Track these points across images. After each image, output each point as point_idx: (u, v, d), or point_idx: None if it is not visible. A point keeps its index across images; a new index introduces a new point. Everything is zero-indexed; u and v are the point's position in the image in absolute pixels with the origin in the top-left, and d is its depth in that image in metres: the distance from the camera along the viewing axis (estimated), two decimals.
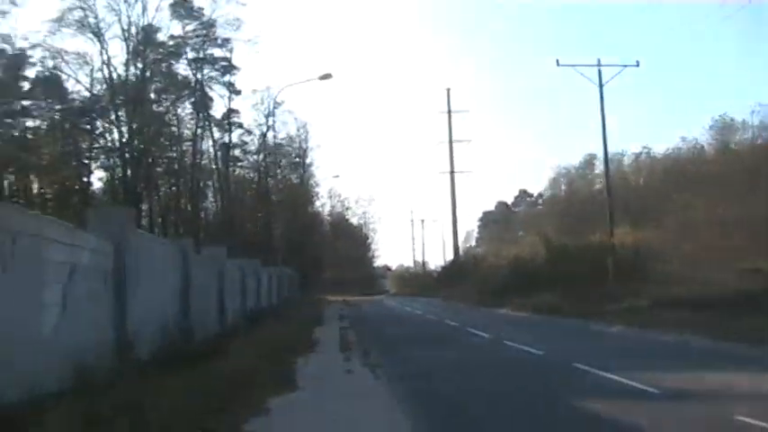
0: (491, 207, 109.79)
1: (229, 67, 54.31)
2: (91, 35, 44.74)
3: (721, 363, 12.46)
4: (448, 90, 67.57)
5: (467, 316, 29.56)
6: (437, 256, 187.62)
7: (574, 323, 23.50)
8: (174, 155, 52.65)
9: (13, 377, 6.82)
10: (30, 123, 48.38)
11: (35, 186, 48.22)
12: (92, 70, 46.21)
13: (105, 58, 45.65)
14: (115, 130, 47.54)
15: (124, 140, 46.48)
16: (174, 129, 52.51)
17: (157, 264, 12.49)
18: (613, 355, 14.44)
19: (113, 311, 9.98)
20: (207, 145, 55.63)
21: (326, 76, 35.74)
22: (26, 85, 47.58)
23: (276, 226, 59.01)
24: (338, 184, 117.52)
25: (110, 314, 9.87)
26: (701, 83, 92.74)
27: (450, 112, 66.53)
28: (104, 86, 47.02)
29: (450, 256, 76.49)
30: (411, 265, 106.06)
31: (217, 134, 56.53)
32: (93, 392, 7.43)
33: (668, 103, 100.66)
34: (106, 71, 46.09)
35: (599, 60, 32.38)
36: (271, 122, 54.33)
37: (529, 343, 16.36)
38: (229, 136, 57.17)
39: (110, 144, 48.63)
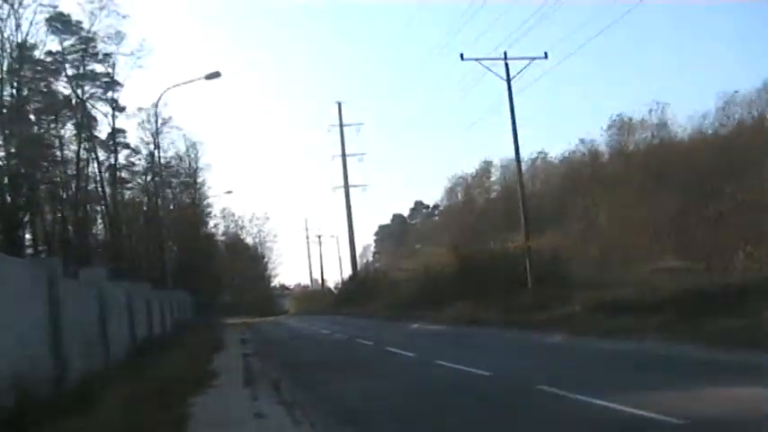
0: (387, 221, 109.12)
1: (112, 83, 51.94)
2: None
3: (718, 374, 10.32)
4: (339, 104, 67.69)
5: (379, 333, 27.13)
6: (335, 273, 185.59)
7: (503, 335, 21.37)
8: (59, 179, 49.12)
9: None
10: None
11: None
12: None
13: None
14: None
15: (1, 165, 42.73)
16: (56, 151, 49.03)
17: (9, 290, 9.61)
18: (581, 372, 12.08)
19: None
20: (93, 167, 52.47)
21: (213, 75, 32.96)
22: None
23: (168, 249, 55.92)
24: (232, 202, 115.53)
25: None
26: (599, 84, 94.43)
27: (341, 125, 66.46)
28: None
29: (348, 273, 74.36)
30: (308, 283, 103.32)
31: (102, 155, 53.84)
32: None
33: (565, 106, 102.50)
34: None
35: (505, 53, 30.49)
36: (158, 141, 51.84)
37: (466, 362, 13.72)
38: (115, 157, 54.78)
39: None
